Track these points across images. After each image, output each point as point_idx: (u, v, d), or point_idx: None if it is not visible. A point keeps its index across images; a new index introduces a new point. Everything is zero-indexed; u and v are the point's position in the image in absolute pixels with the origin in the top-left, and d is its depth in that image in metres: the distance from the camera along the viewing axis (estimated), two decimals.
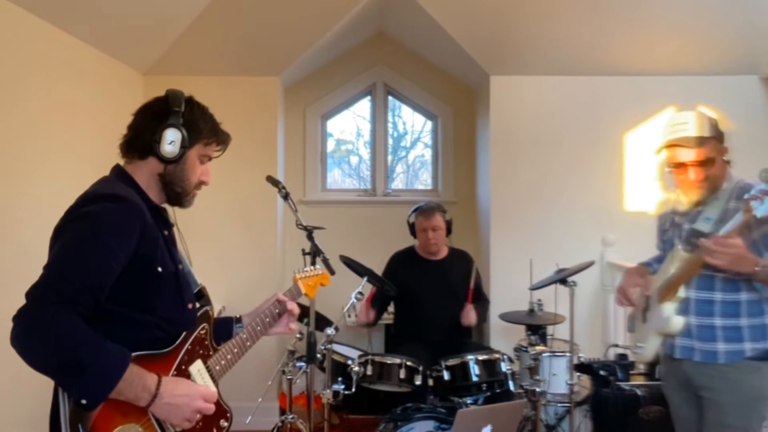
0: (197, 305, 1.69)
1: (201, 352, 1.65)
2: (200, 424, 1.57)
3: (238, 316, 1.92)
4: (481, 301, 3.82)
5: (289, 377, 3.24)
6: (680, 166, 2.16)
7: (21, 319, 1.33)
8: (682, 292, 2.15)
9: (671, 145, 2.16)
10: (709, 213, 2.15)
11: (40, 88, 2.74)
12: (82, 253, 1.40)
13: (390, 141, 5.14)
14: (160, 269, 1.55)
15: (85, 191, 1.55)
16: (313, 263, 2.55)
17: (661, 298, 2.20)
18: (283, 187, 2.64)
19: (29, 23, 2.64)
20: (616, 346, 3.66)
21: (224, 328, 1.86)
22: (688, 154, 2.12)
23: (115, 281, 1.44)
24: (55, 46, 2.87)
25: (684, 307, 2.16)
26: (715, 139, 2.13)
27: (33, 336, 1.32)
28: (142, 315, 1.52)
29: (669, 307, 2.17)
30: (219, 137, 1.70)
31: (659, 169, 4.15)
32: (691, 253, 2.11)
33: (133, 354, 1.45)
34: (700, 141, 2.10)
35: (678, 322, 2.15)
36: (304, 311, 3.00)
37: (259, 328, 1.86)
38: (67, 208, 1.49)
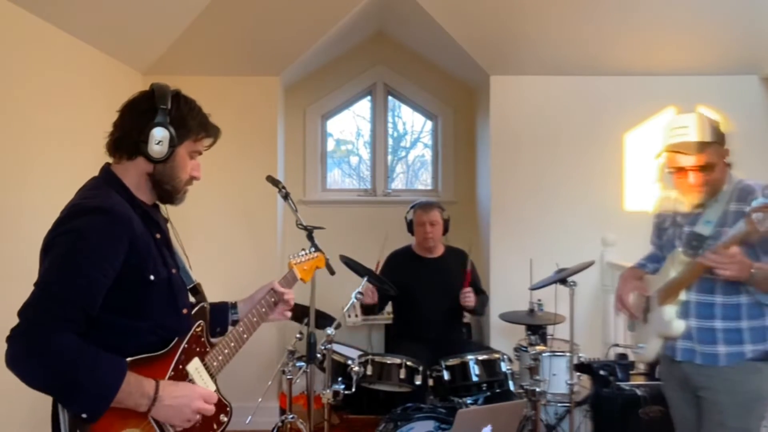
0: (192, 310, 1.67)
1: (198, 349, 1.64)
2: (200, 421, 1.57)
3: (233, 301, 1.91)
4: (480, 293, 3.82)
5: (289, 377, 3.24)
6: (680, 170, 2.15)
7: (15, 341, 1.32)
8: (682, 296, 2.15)
9: (671, 150, 2.14)
10: (709, 216, 2.14)
11: (39, 88, 2.74)
12: (71, 272, 1.38)
13: (390, 141, 5.14)
14: (152, 277, 1.52)
15: (72, 200, 1.52)
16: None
17: (662, 300, 2.19)
18: (283, 187, 2.64)
19: (29, 23, 2.64)
20: (617, 345, 3.66)
21: (219, 315, 1.85)
22: (688, 160, 2.11)
23: (107, 292, 1.43)
24: (55, 46, 2.87)
25: (685, 310, 2.16)
26: (716, 143, 2.11)
27: (28, 359, 1.32)
28: (136, 322, 1.51)
29: (670, 310, 2.16)
30: (209, 131, 1.65)
31: (659, 170, 4.15)
32: (692, 258, 2.10)
33: (130, 359, 1.44)
34: (701, 146, 2.08)
35: (679, 325, 2.15)
36: (305, 312, 3.00)
37: (255, 319, 1.85)
38: (55, 220, 1.46)
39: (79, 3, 2.80)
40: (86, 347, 1.36)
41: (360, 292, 3.08)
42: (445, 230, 3.70)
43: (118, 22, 3.17)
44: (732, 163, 2.17)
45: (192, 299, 1.72)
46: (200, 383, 1.60)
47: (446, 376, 3.05)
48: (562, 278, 3.18)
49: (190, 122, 1.59)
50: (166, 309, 1.58)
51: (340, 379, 3.00)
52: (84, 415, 1.35)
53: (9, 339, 1.33)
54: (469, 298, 3.48)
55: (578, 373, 3.32)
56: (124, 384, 1.38)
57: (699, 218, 2.18)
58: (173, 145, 1.55)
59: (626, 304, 2.34)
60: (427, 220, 3.62)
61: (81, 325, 1.37)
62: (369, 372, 3.01)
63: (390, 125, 5.14)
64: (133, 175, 1.58)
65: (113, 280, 1.44)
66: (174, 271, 1.64)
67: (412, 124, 5.32)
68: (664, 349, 2.26)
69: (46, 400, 1.43)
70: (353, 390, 2.93)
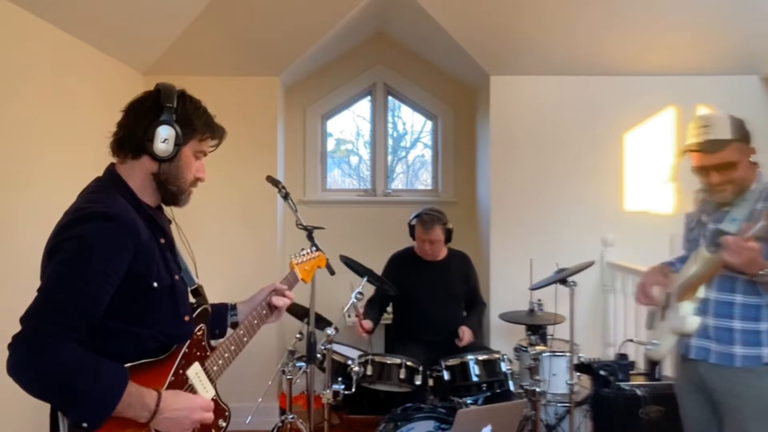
0: (193, 314, 1.66)
1: (198, 353, 1.63)
2: (198, 428, 1.56)
3: (232, 303, 1.89)
4: (477, 306, 3.81)
5: (289, 377, 3.24)
6: (702, 169, 2.12)
7: (17, 349, 1.31)
8: (701, 293, 2.10)
9: (692, 150, 2.11)
10: (736, 213, 2.10)
11: (40, 89, 2.74)
12: (74, 280, 1.36)
13: (390, 141, 5.14)
14: (155, 284, 1.51)
15: (76, 203, 1.50)
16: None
17: (680, 297, 2.15)
18: (283, 187, 2.64)
19: (29, 23, 2.64)
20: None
21: (218, 317, 1.84)
22: (708, 159, 2.07)
23: (109, 298, 1.42)
24: (55, 46, 2.87)
25: (703, 308, 2.12)
26: (738, 140, 2.07)
27: (30, 367, 1.31)
28: (136, 328, 1.50)
29: (686, 307, 2.12)
30: (214, 132, 1.63)
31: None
32: (715, 254, 2.04)
33: (130, 364, 1.43)
34: (720, 144, 2.05)
35: (694, 321, 2.10)
36: (304, 312, 3.00)
37: (255, 321, 1.84)
38: (60, 224, 1.44)
39: (79, 3, 2.80)
40: (88, 357, 1.35)
41: (360, 292, 3.09)
42: (448, 240, 3.67)
43: (118, 22, 3.17)
44: (758, 161, 2.11)
45: (192, 300, 1.71)
46: (200, 388, 1.60)
47: (446, 376, 3.05)
48: (562, 278, 3.19)
49: (195, 121, 1.58)
50: (168, 316, 1.56)
51: (340, 379, 3.00)
52: (84, 425, 1.34)
53: (11, 346, 1.31)
54: (465, 337, 3.48)
55: (578, 373, 3.32)
56: (125, 395, 1.37)
57: (725, 216, 2.13)
58: (179, 143, 1.53)
59: (648, 294, 2.29)
60: (426, 239, 3.58)
61: (83, 333, 1.36)
62: (369, 372, 3.01)
63: (390, 125, 5.14)
64: (138, 175, 1.56)
65: (116, 287, 1.42)
66: (177, 276, 1.62)
67: (412, 124, 5.32)
68: (678, 348, 2.21)
69: (44, 407, 1.43)
70: (353, 390, 2.93)
